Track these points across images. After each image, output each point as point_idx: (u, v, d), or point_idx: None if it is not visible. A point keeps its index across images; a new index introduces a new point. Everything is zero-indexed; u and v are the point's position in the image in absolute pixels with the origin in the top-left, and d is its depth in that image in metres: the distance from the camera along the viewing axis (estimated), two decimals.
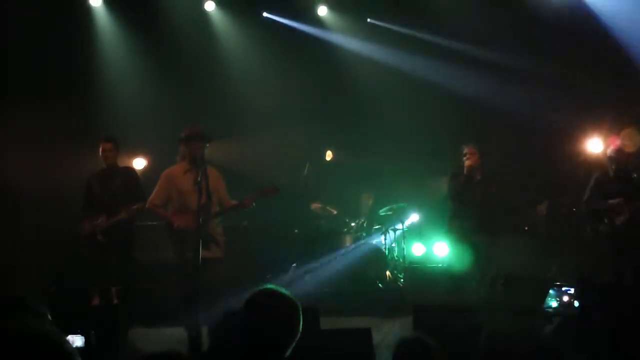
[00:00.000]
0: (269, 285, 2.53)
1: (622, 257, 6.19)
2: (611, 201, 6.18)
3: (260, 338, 2.36)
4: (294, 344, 2.40)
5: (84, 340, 2.32)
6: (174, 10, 8.91)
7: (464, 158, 6.53)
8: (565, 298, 5.16)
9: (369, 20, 9.43)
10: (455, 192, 6.52)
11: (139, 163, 8.67)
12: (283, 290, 2.47)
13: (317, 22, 9.54)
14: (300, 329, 2.41)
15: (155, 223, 6.77)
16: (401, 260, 8.42)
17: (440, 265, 7.64)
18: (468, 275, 6.47)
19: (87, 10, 8.87)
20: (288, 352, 2.39)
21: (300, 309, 2.45)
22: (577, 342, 3.80)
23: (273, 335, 2.38)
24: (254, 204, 5.67)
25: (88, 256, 6.34)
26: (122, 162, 6.90)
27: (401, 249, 8.48)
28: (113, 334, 4.27)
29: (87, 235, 6.28)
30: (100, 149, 6.39)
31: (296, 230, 8.83)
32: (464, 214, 6.45)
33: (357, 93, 9.34)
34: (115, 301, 5.94)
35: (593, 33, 8.10)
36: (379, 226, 8.62)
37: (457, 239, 6.51)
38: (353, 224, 8.54)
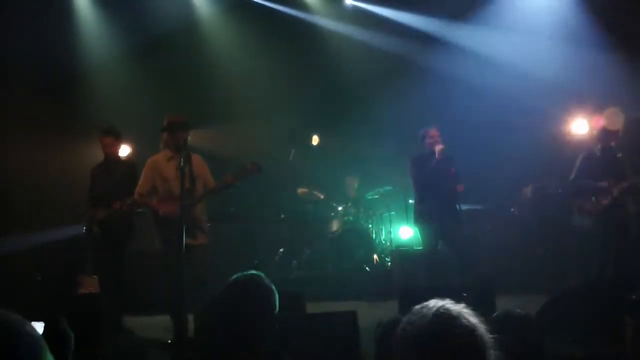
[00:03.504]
0: (250, 272, 2.55)
1: (605, 240, 6.23)
2: (599, 184, 6.20)
3: (237, 323, 2.39)
4: (273, 328, 2.42)
5: (43, 327, 2.29)
6: None
7: (431, 141, 6.26)
8: None
9: (348, 2, 9.40)
10: (425, 177, 6.25)
11: (123, 151, 8.59)
12: (261, 275, 2.50)
13: (302, 5, 9.46)
14: (276, 313, 2.45)
15: (140, 210, 6.72)
16: (388, 243, 8.45)
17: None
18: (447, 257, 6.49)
19: None
20: (269, 337, 2.40)
21: (276, 293, 2.49)
22: (561, 325, 3.83)
23: (249, 320, 2.41)
24: (238, 182, 5.59)
25: (83, 246, 6.30)
26: None
27: (388, 233, 8.51)
28: (94, 323, 4.26)
29: (86, 225, 6.23)
30: (101, 143, 6.25)
31: (283, 215, 8.81)
32: (433, 198, 6.25)
33: (342, 77, 9.31)
34: (98, 290, 5.93)
35: (576, 14, 8.12)
36: (366, 210, 8.62)
37: (429, 224, 6.30)
38: (340, 208, 8.54)
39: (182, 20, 9.13)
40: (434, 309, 1.61)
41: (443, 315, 1.58)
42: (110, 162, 6.31)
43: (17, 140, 7.94)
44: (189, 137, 5.51)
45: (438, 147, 6.16)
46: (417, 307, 1.65)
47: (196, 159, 5.63)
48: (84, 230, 6.22)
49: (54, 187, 6.97)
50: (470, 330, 1.55)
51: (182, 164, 5.16)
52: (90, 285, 6.22)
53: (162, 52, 9.06)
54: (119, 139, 6.34)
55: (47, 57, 8.29)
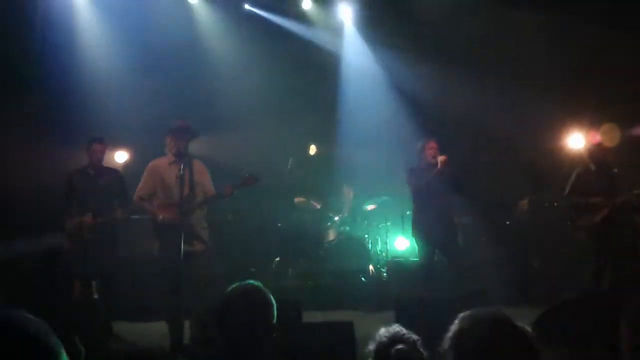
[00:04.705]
0: (250, 281, 2.55)
1: (600, 254, 6.25)
2: (592, 199, 6.23)
3: (236, 333, 2.39)
4: (272, 338, 2.42)
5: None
6: (156, 2, 8.84)
7: (431, 153, 6.33)
8: None
9: (338, 17, 9.48)
10: (423, 188, 6.33)
11: (121, 156, 8.59)
12: (260, 286, 2.51)
13: (301, 15, 9.52)
14: (276, 324, 2.45)
15: (137, 217, 6.73)
16: (384, 254, 8.45)
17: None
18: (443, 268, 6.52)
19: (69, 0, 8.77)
20: (268, 346, 2.40)
21: (275, 304, 2.50)
22: (558, 336, 3.84)
23: (249, 329, 2.41)
24: (235, 192, 5.61)
25: (72, 251, 6.30)
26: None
27: (384, 243, 8.51)
28: (91, 328, 4.26)
29: (72, 232, 6.23)
30: (92, 150, 6.39)
31: (280, 225, 8.82)
32: (431, 209, 6.32)
33: (339, 87, 9.36)
34: (95, 296, 5.92)
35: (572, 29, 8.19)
36: (363, 220, 8.63)
37: (426, 234, 6.37)
38: (336, 218, 8.54)
39: (183, 26, 9.17)
40: (490, 314, 1.64)
41: (500, 321, 1.62)
42: (95, 170, 6.37)
43: (17, 145, 7.94)
44: (190, 143, 5.54)
45: (442, 157, 6.21)
46: (466, 313, 1.67)
47: (197, 164, 5.64)
48: (71, 236, 6.22)
49: (54, 192, 6.98)
50: (525, 335, 1.60)
51: (182, 171, 5.17)
52: (85, 290, 6.21)
53: (161, 57, 9.07)
54: (106, 148, 6.59)
55: (50, 64, 8.31)
